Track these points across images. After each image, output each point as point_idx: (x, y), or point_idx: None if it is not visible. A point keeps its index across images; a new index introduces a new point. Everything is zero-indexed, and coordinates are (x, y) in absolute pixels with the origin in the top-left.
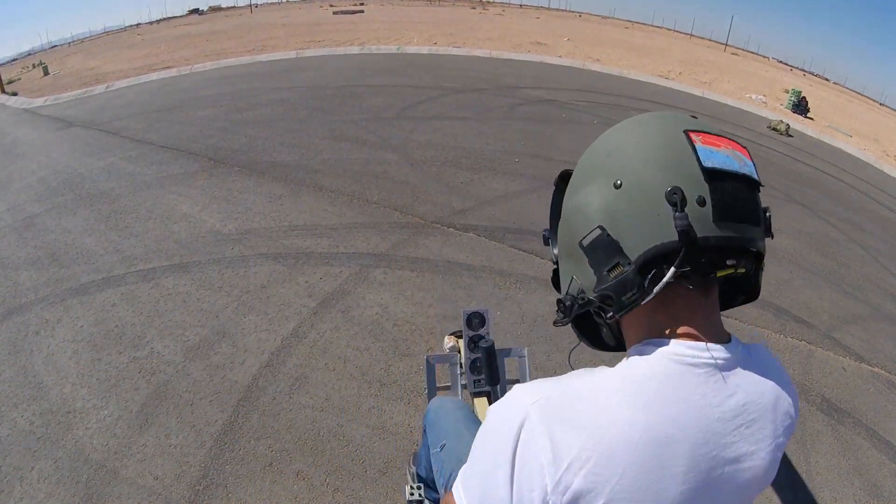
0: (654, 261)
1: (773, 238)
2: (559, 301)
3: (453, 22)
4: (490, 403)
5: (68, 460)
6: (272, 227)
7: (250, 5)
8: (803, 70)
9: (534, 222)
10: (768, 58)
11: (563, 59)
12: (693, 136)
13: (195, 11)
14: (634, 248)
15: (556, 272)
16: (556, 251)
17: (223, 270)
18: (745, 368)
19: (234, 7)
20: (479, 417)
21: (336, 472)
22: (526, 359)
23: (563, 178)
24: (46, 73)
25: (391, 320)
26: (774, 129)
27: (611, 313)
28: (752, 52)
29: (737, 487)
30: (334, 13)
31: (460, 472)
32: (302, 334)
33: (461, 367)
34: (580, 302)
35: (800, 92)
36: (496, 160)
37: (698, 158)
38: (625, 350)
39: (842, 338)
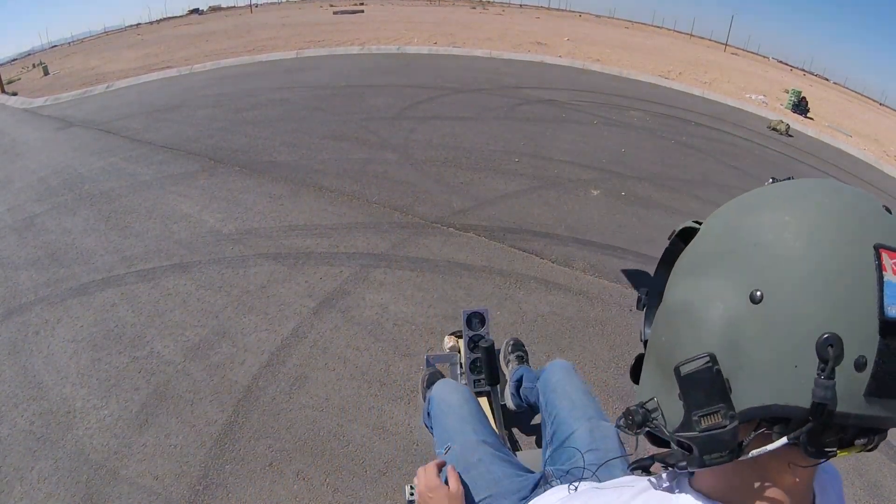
0: (765, 420)
1: None
2: (629, 412)
3: (453, 22)
4: (490, 403)
5: (68, 460)
6: (272, 227)
7: (250, 5)
8: (803, 70)
9: (534, 222)
10: (768, 58)
11: (563, 59)
12: (886, 257)
13: (195, 11)
14: (746, 399)
15: (639, 361)
16: (646, 335)
17: (223, 270)
18: None
19: (234, 7)
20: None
21: (336, 472)
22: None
23: (685, 238)
24: (46, 73)
25: (391, 320)
26: (774, 129)
27: (683, 462)
28: (752, 52)
29: None
30: (334, 13)
31: None
32: (302, 334)
33: (461, 366)
34: (652, 428)
35: (800, 92)
36: (496, 160)
37: (882, 301)
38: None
39: None
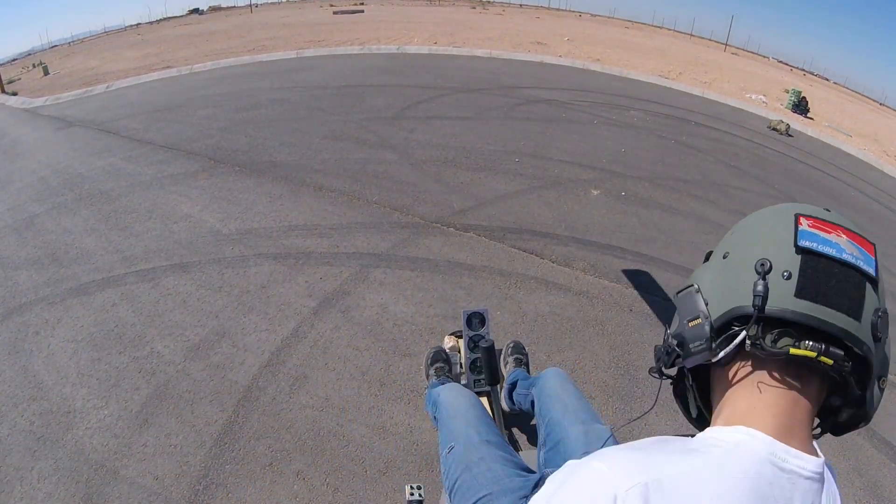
0: (731, 324)
1: (884, 344)
2: (656, 347)
3: (453, 22)
4: (490, 403)
5: (68, 460)
6: (272, 227)
7: (250, 5)
8: (803, 70)
9: (534, 222)
10: (768, 58)
11: (563, 59)
12: (802, 219)
13: (195, 11)
14: (715, 308)
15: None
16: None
17: (223, 270)
18: (829, 490)
19: (234, 7)
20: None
21: (336, 472)
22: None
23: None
24: (46, 72)
25: (391, 320)
26: (774, 129)
27: (681, 359)
28: (752, 52)
29: None
30: (334, 13)
31: None
32: (302, 334)
33: (461, 366)
34: (668, 351)
35: (800, 92)
36: (496, 160)
37: (796, 238)
38: (702, 427)
39: None
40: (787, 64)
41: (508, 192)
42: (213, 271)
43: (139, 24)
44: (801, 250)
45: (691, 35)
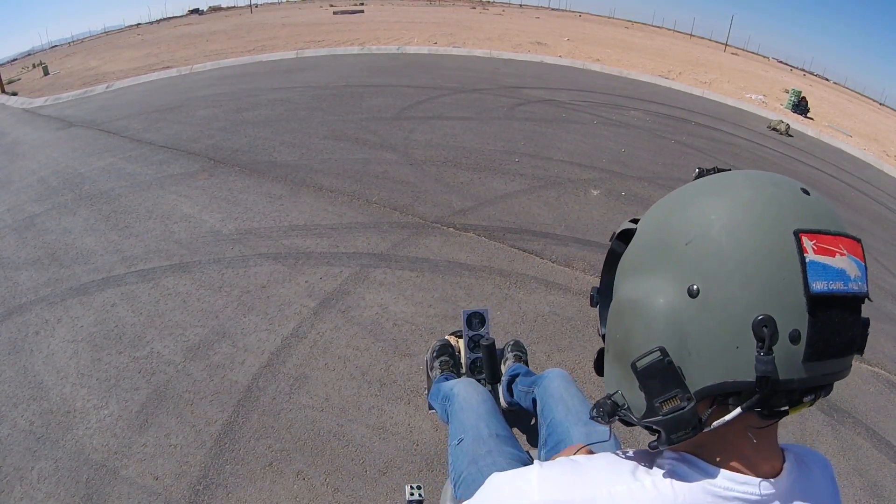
0: (719, 395)
1: (862, 354)
2: (599, 404)
3: (453, 22)
4: None
5: (68, 460)
6: (272, 227)
7: (250, 5)
8: (803, 70)
9: (534, 222)
10: (768, 58)
11: (563, 59)
12: (806, 240)
13: (195, 11)
14: (698, 380)
15: (601, 354)
16: (603, 331)
17: (223, 270)
18: (792, 499)
19: (234, 7)
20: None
21: (336, 472)
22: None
23: (624, 239)
24: (46, 73)
25: (391, 320)
26: (774, 129)
27: (653, 442)
28: (752, 52)
29: None
30: (334, 13)
31: None
32: (302, 334)
33: (462, 366)
34: (622, 416)
35: (800, 92)
36: (496, 160)
37: (806, 280)
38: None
39: None
40: (786, 64)
41: (508, 192)
42: (213, 271)
43: (139, 24)
44: (813, 301)
45: (691, 35)
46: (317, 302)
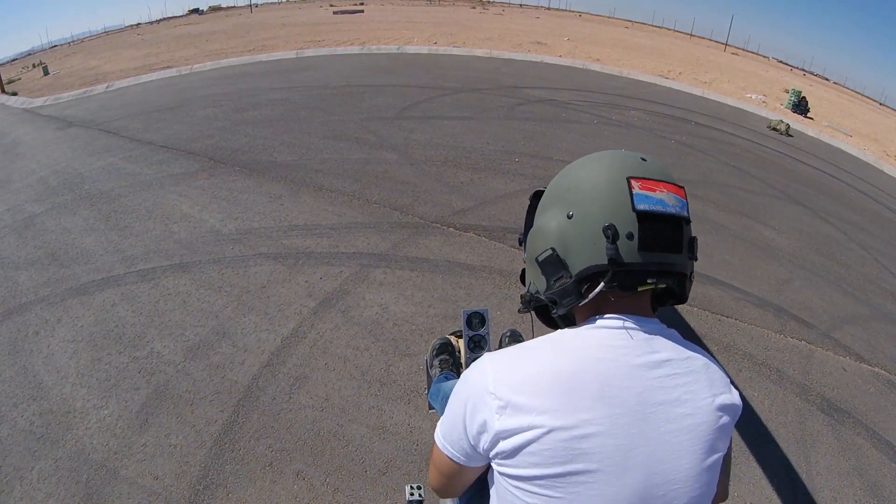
0: (590, 277)
1: (696, 260)
2: (521, 296)
3: (453, 22)
4: None
5: (68, 460)
6: (272, 227)
7: (250, 5)
8: (803, 70)
9: None
10: (768, 58)
11: (563, 59)
12: (633, 182)
13: (195, 11)
14: (575, 265)
15: (524, 271)
16: (524, 255)
17: (223, 270)
18: (667, 337)
19: (234, 7)
20: None
21: (336, 472)
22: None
23: (536, 196)
24: (46, 72)
25: (391, 320)
26: (774, 129)
27: (555, 310)
28: (752, 52)
29: (681, 430)
30: (334, 13)
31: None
32: (302, 334)
33: (462, 366)
34: (535, 300)
35: (800, 92)
36: (496, 160)
37: (633, 202)
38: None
39: (842, 338)
40: (787, 64)
41: (508, 192)
42: (213, 271)
43: (139, 24)
44: (638, 214)
45: (691, 35)
46: (317, 302)
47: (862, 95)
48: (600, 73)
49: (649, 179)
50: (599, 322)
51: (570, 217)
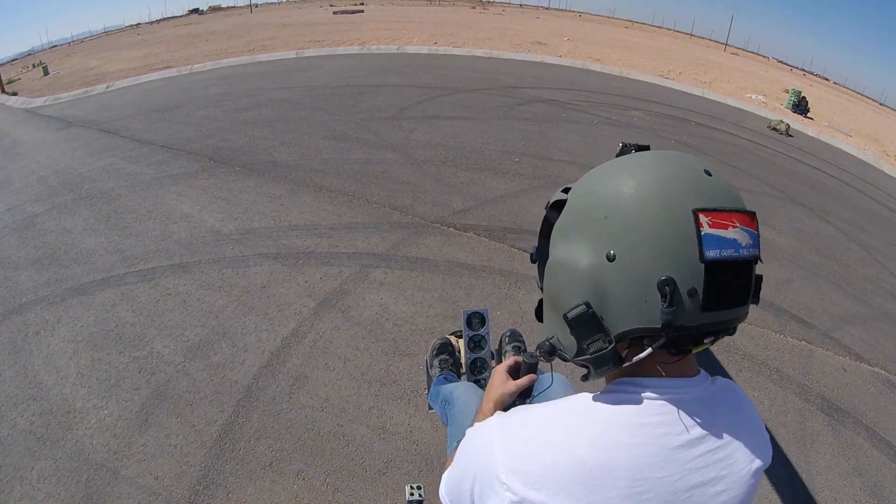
0: (634, 338)
1: (757, 304)
2: (540, 345)
3: (453, 22)
4: None
5: (68, 460)
6: (272, 227)
7: (250, 5)
8: (803, 70)
9: (534, 222)
10: (768, 58)
11: (563, 59)
12: (702, 217)
13: (195, 11)
14: (617, 325)
15: (541, 304)
16: (541, 285)
17: (223, 270)
18: (712, 401)
19: (234, 7)
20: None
21: (336, 472)
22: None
23: (556, 208)
24: (46, 72)
25: (391, 320)
26: (774, 129)
27: (586, 376)
28: (752, 52)
29: None
30: (334, 13)
31: (443, 477)
32: (302, 334)
33: (462, 366)
34: (559, 355)
35: (800, 92)
36: (496, 160)
37: (701, 248)
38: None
39: (842, 338)
40: (787, 64)
41: (508, 192)
42: (213, 271)
43: (139, 24)
44: (706, 265)
45: (691, 35)
46: (317, 302)
47: (862, 95)
48: (600, 73)
49: (720, 211)
50: (634, 389)
51: (610, 259)
